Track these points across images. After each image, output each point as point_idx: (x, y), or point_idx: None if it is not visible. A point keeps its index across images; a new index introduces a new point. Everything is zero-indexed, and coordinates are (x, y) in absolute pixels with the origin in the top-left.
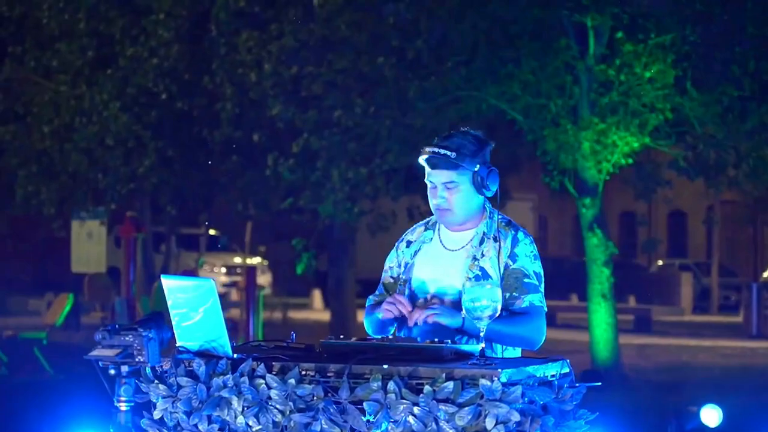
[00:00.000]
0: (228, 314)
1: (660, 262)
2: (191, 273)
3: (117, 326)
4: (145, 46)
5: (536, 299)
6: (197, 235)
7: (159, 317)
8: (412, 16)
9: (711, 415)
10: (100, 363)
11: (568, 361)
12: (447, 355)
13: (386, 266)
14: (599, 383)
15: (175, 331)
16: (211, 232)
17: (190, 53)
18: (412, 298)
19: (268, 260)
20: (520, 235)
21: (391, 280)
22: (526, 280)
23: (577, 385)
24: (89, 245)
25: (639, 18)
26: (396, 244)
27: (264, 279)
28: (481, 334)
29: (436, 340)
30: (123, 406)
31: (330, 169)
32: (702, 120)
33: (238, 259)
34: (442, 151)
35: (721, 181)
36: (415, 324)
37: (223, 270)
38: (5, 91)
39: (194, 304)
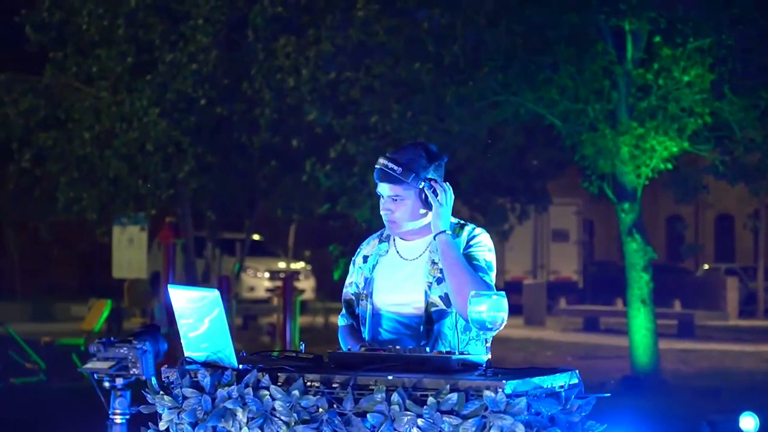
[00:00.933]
0: (270, 319)
1: (706, 267)
2: (227, 279)
3: (112, 339)
4: (184, 52)
5: (488, 278)
6: (239, 240)
7: (155, 329)
8: (447, 22)
9: (747, 423)
10: (95, 375)
11: (577, 371)
12: (454, 365)
13: (346, 282)
14: (608, 394)
15: (182, 342)
16: (255, 237)
17: (228, 59)
18: (375, 312)
19: (312, 265)
20: (476, 231)
21: (352, 297)
22: (476, 262)
23: (586, 396)
24: (130, 251)
25: (677, 22)
26: (352, 259)
27: (307, 284)
28: (488, 344)
29: (444, 351)
30: (118, 419)
31: (367, 175)
32: (741, 124)
33: (282, 264)
34: (389, 165)
35: (761, 186)
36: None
37: (266, 275)
38: (46, 98)
39: (200, 315)
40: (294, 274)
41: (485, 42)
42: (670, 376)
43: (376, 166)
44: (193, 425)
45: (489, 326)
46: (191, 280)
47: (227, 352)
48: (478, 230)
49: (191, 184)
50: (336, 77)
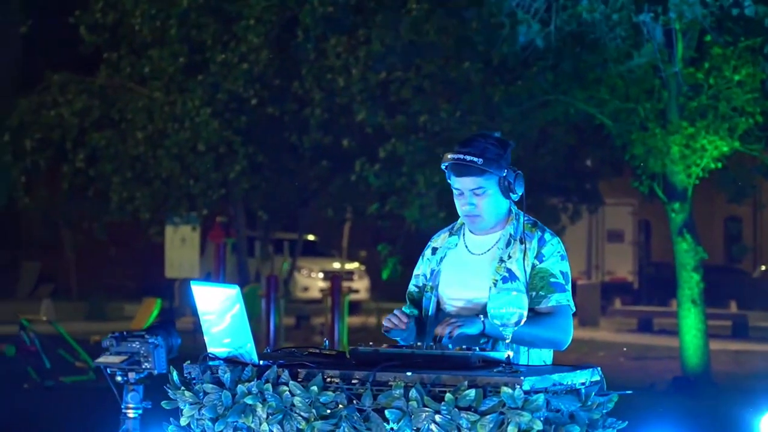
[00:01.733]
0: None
1: (763, 268)
2: (275, 278)
3: (125, 333)
4: (235, 52)
5: (563, 298)
6: (292, 240)
7: (169, 324)
8: (495, 21)
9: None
10: (108, 370)
11: (599, 369)
12: (474, 362)
13: (413, 274)
14: (630, 391)
15: (205, 338)
16: (310, 237)
17: (279, 59)
18: (439, 305)
19: (366, 265)
20: (547, 235)
21: (416, 290)
22: (552, 279)
23: (607, 393)
24: (182, 250)
25: (727, 21)
26: (422, 251)
27: (361, 284)
28: (507, 341)
29: (464, 347)
30: (131, 413)
31: (416, 175)
32: None
33: (336, 265)
34: (468, 158)
35: None
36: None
37: (320, 275)
38: (100, 98)
39: (221, 311)
40: (345, 274)
41: (535, 41)
42: (721, 377)
43: (448, 161)
44: (214, 421)
45: (505, 322)
46: (243, 279)
47: (248, 348)
48: (549, 235)
49: (242, 184)
50: (386, 77)
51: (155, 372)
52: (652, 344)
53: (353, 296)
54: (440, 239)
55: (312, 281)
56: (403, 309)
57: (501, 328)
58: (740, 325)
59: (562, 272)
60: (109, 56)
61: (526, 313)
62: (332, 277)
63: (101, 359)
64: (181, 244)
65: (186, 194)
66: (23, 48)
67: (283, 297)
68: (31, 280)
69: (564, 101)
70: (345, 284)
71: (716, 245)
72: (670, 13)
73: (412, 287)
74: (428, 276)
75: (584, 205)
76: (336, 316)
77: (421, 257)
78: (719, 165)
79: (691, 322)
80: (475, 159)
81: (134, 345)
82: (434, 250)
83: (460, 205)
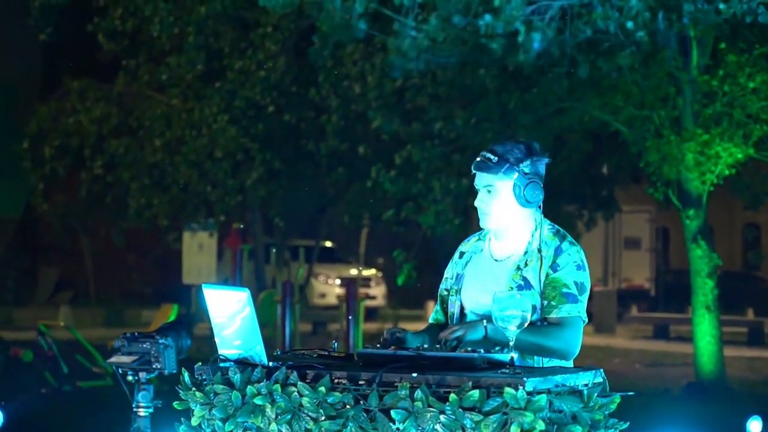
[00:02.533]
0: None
1: None
2: (291, 284)
3: (136, 334)
4: (252, 60)
5: (573, 310)
6: (308, 247)
7: (179, 325)
8: (510, 28)
9: (755, 427)
10: (119, 369)
11: (602, 370)
12: (479, 364)
13: (444, 277)
14: (632, 393)
15: (216, 340)
16: (328, 243)
17: (296, 66)
18: (462, 309)
19: (383, 272)
20: (565, 244)
21: (446, 293)
22: (564, 290)
23: (610, 394)
24: (200, 256)
25: (743, 28)
26: (453, 254)
27: (378, 290)
28: (511, 343)
29: (469, 349)
30: (141, 412)
31: (431, 181)
32: None
33: (353, 271)
34: (487, 155)
35: None
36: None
37: (338, 282)
38: (119, 105)
39: (232, 314)
40: (362, 281)
41: (548, 49)
42: (736, 383)
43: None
44: (224, 421)
45: (505, 324)
46: (260, 285)
47: (258, 350)
48: (567, 245)
49: (259, 191)
50: (402, 84)
51: (165, 372)
52: (667, 351)
53: (370, 302)
54: (469, 243)
55: (329, 288)
56: (433, 312)
57: (503, 330)
58: (756, 331)
59: (576, 283)
60: (127, 63)
61: (530, 315)
62: (347, 283)
63: (113, 359)
64: (198, 251)
65: (203, 201)
66: (43, 55)
67: (298, 303)
68: (49, 286)
69: (579, 108)
70: (362, 290)
71: (735, 252)
72: (684, 20)
73: (441, 289)
74: (454, 279)
75: (600, 213)
76: (351, 322)
77: (451, 260)
78: (733, 172)
79: (705, 328)
80: (492, 157)
81: (145, 345)
82: (461, 254)
83: (476, 202)
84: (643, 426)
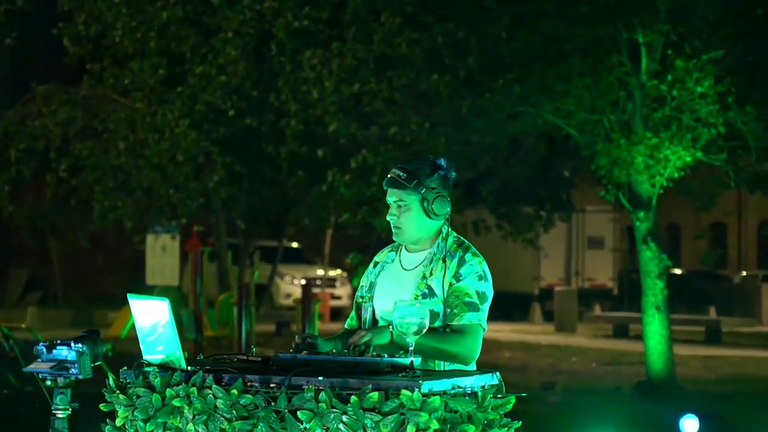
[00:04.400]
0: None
1: (744, 273)
2: (246, 286)
3: (54, 341)
4: (213, 64)
5: (474, 318)
6: (270, 248)
7: (95, 334)
8: (463, 35)
9: (691, 425)
10: (39, 375)
11: (498, 373)
12: (383, 368)
13: (360, 285)
14: (525, 394)
15: (141, 346)
16: (294, 244)
17: (257, 71)
18: (374, 317)
19: (348, 272)
20: (468, 255)
21: (360, 300)
22: (467, 298)
23: (505, 395)
24: (163, 258)
25: (687, 35)
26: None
27: (343, 290)
28: (410, 348)
29: (374, 354)
30: (59, 414)
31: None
32: (755, 133)
33: (319, 272)
34: (397, 172)
35: None
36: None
37: (303, 282)
38: (84, 108)
39: (154, 322)
40: (327, 281)
41: (502, 55)
42: (688, 381)
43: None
44: (145, 421)
45: (404, 331)
46: (223, 287)
47: (177, 355)
48: (470, 256)
49: (221, 194)
50: (359, 89)
51: (81, 377)
52: (625, 350)
53: (335, 302)
54: (383, 254)
55: (294, 288)
56: (347, 318)
57: (402, 336)
58: (713, 330)
59: (477, 292)
60: (92, 67)
61: (428, 322)
62: (303, 285)
63: (32, 366)
64: (161, 253)
65: (167, 203)
66: (9, 60)
67: (257, 305)
68: (18, 287)
69: (532, 113)
70: (327, 291)
71: (701, 251)
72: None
73: (357, 297)
74: (367, 287)
75: (557, 213)
76: (306, 323)
77: (367, 269)
78: (682, 174)
79: (655, 328)
80: (402, 174)
81: (62, 352)
82: (375, 264)
83: (387, 216)
84: (588, 424)
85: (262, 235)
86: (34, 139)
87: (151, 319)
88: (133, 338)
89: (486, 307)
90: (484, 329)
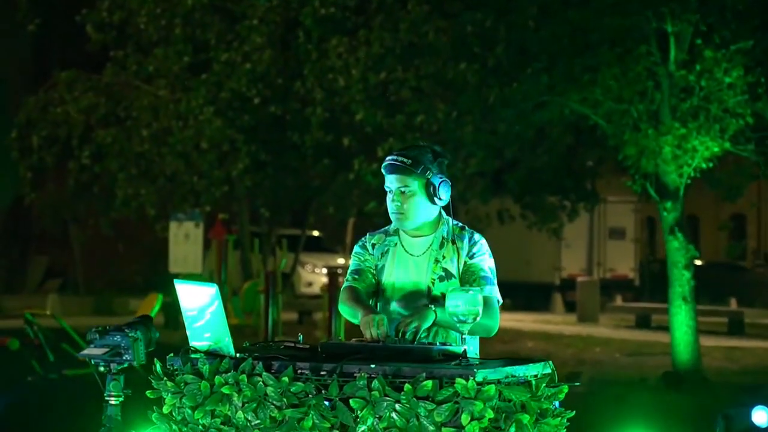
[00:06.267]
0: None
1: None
2: (272, 274)
3: (107, 327)
4: (239, 52)
5: (493, 291)
6: (294, 236)
7: (148, 320)
8: (491, 24)
9: (760, 416)
10: (92, 361)
11: (551, 362)
12: (435, 355)
13: (358, 256)
14: (578, 383)
15: (187, 332)
16: (315, 233)
17: (282, 58)
18: (384, 300)
19: None
20: (476, 236)
21: (370, 266)
22: (482, 273)
23: (558, 384)
24: (186, 246)
25: (716, 26)
26: (361, 241)
27: None
28: (464, 336)
29: (427, 341)
30: (113, 400)
31: None
32: None
33: (340, 260)
34: (399, 158)
35: None
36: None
37: (324, 271)
38: (107, 95)
39: (202, 307)
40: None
41: (529, 44)
42: (713, 372)
43: (385, 162)
44: (193, 409)
45: (463, 319)
46: (246, 275)
47: (226, 342)
48: (477, 236)
49: (245, 182)
50: (386, 77)
51: (135, 363)
52: (648, 340)
53: None
54: (377, 238)
55: (316, 277)
56: (346, 279)
57: (458, 325)
58: (736, 322)
59: (489, 268)
60: (115, 54)
61: (481, 309)
62: (329, 273)
63: (86, 351)
64: (185, 240)
65: (190, 191)
66: (32, 46)
67: (281, 292)
68: (39, 274)
69: (559, 102)
70: None
71: (720, 242)
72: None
73: (363, 265)
74: (373, 268)
75: (582, 204)
76: (333, 311)
77: (359, 246)
78: (711, 165)
79: (681, 318)
80: (406, 160)
81: (116, 338)
82: (374, 246)
83: (389, 204)
84: (615, 414)
85: (284, 224)
86: (57, 126)
87: (199, 304)
88: (158, 325)
89: (496, 281)
90: (500, 302)
